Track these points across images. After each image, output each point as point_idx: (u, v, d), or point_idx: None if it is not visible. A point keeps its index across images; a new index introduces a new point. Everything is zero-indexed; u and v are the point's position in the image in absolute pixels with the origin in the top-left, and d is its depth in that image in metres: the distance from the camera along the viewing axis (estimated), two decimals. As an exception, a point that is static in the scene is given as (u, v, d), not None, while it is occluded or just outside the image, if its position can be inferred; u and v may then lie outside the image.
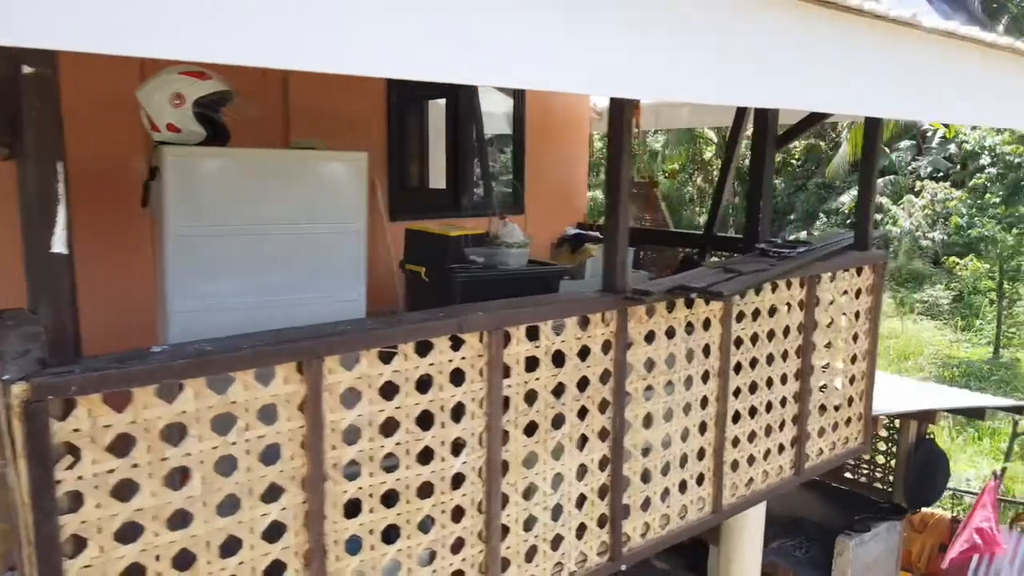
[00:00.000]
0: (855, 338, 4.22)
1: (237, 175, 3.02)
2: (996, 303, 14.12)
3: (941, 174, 17.02)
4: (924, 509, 7.57)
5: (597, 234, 4.75)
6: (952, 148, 14.86)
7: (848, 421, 4.27)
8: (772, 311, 3.66)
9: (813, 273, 3.83)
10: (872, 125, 4.24)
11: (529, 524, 2.85)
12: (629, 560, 3.23)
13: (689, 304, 3.24)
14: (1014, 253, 13.33)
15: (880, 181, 19.04)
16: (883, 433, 6.57)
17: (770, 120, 4.45)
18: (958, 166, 16.32)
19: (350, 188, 3.23)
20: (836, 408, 4.16)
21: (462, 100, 5.17)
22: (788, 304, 3.74)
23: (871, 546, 6.14)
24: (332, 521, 2.29)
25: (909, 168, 19.23)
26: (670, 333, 3.19)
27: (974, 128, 13.02)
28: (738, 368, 3.55)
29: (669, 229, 6.77)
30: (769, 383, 3.72)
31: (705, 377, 3.39)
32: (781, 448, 3.87)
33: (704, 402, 3.42)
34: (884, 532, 6.29)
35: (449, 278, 3.51)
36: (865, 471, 6.78)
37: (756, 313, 3.58)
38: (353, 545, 2.36)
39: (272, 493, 2.17)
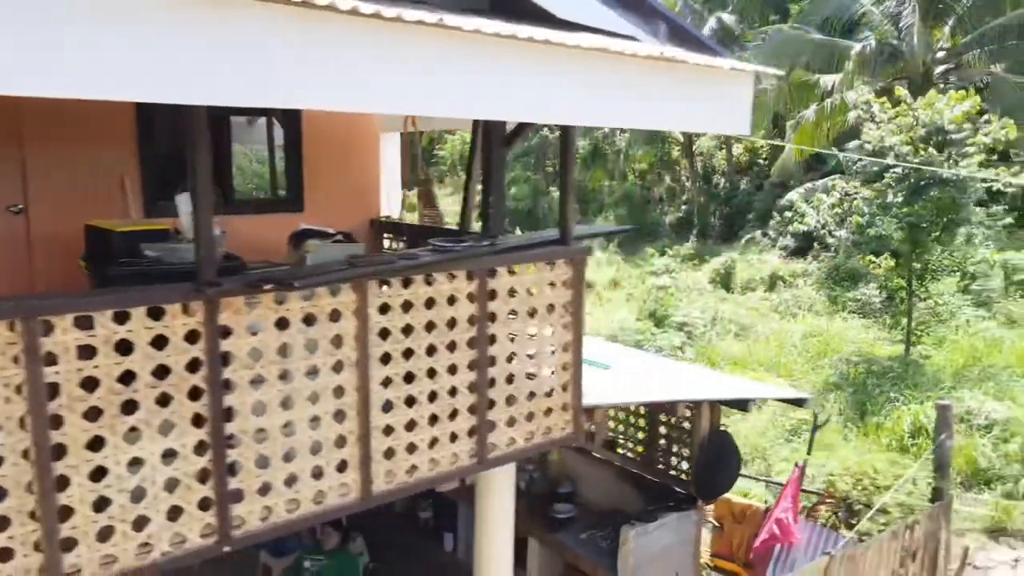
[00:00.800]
0: (556, 330, 4.33)
1: None
2: (906, 301, 14.22)
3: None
4: (743, 500, 7.73)
5: (329, 230, 4.87)
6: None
7: (549, 411, 4.38)
8: (430, 303, 3.78)
9: (485, 267, 3.94)
10: (565, 132, 4.32)
11: (101, 505, 2.97)
12: (245, 542, 3.35)
13: (308, 297, 3.36)
14: (920, 252, 13.45)
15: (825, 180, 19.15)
16: (687, 425, 6.69)
17: (496, 122, 4.57)
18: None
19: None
20: (531, 398, 4.27)
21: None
22: (453, 297, 3.85)
23: (657, 535, 6.26)
24: None
25: (855, 168, 19.34)
26: (281, 324, 3.31)
27: (878, 127, 13.11)
28: (387, 358, 3.67)
29: (439, 225, 6.90)
30: (432, 373, 3.84)
31: (338, 367, 3.51)
32: (454, 437, 3.98)
33: (340, 391, 3.53)
34: (675, 522, 6.40)
35: (104, 273, 3.62)
36: (673, 462, 6.90)
37: (408, 305, 3.70)
38: None
39: None
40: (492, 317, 4.02)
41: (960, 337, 15.09)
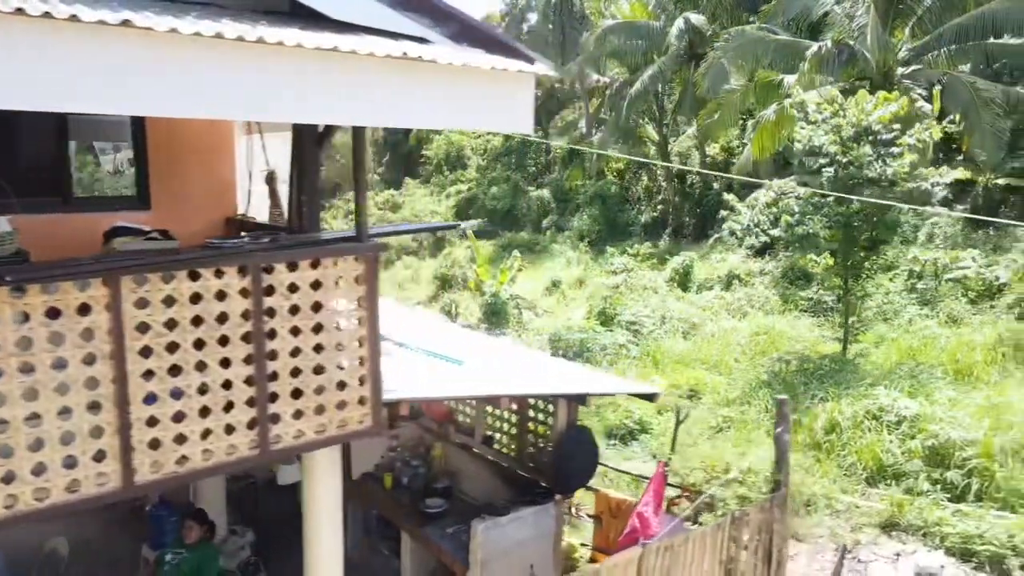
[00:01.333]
0: (349, 325, 4.44)
1: None
2: (843, 300, 14.30)
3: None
4: (619, 495, 7.84)
5: (144, 227, 4.97)
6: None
7: (343, 405, 4.49)
8: (196, 298, 3.89)
9: (261, 263, 4.06)
10: (356, 133, 4.43)
11: None
12: (-12, 529, 3.47)
13: (52, 291, 3.48)
14: (854, 251, 13.54)
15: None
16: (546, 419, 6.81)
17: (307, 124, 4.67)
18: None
19: None
20: (320, 392, 4.38)
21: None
22: (222, 292, 3.97)
23: (510, 529, 6.37)
24: None
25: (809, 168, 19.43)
26: (20, 318, 3.43)
27: (806, 127, 13.20)
28: (148, 352, 3.78)
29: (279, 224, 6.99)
30: (202, 367, 3.95)
31: (90, 360, 3.63)
32: (231, 429, 4.09)
33: (93, 383, 3.65)
34: (531, 516, 6.52)
35: None
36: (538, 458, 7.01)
37: (171, 300, 3.81)
38: None
39: None
40: (271, 312, 4.13)
41: (900, 336, 15.19)
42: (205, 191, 6.16)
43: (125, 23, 2.85)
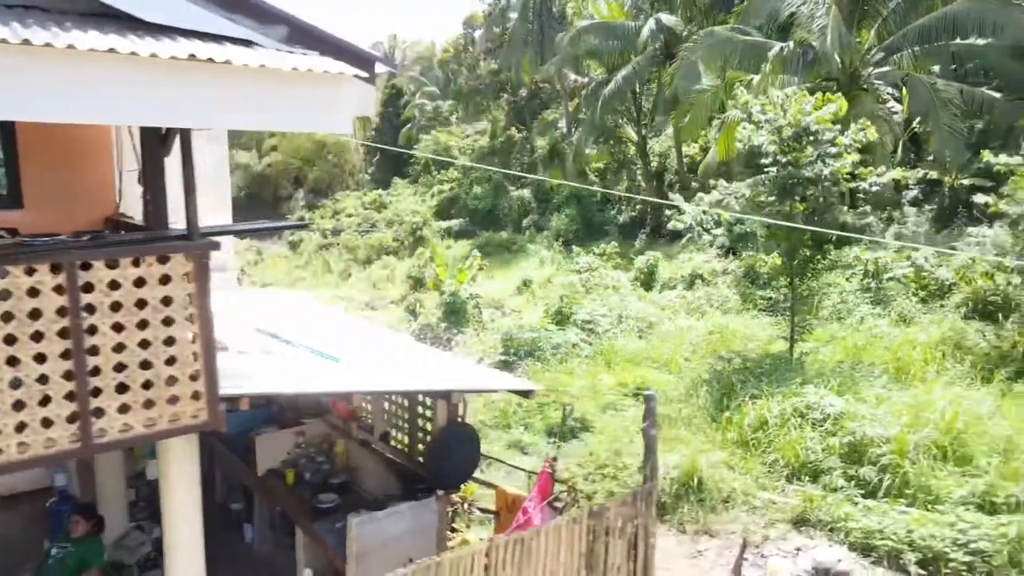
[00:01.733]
0: (179, 322, 4.54)
1: None
2: (789, 299, 14.37)
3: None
4: (515, 491, 7.94)
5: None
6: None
7: (175, 399, 4.59)
8: (5, 295, 3.99)
9: (77, 260, 4.16)
10: (184, 134, 4.51)
11: None
12: None
13: None
14: (799, 250, 13.63)
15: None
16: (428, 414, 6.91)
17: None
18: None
19: None
20: (148, 387, 4.48)
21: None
22: (34, 289, 4.07)
23: (387, 524, 6.47)
24: None
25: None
26: None
27: (748, 127, 13.29)
28: (-49, 348, 3.88)
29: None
30: (13, 362, 4.05)
31: None
32: (48, 423, 4.19)
33: None
34: (409, 511, 6.62)
35: None
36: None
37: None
38: None
39: None
40: (91, 308, 4.23)
41: (850, 334, 15.29)
42: (83, 191, 6.26)
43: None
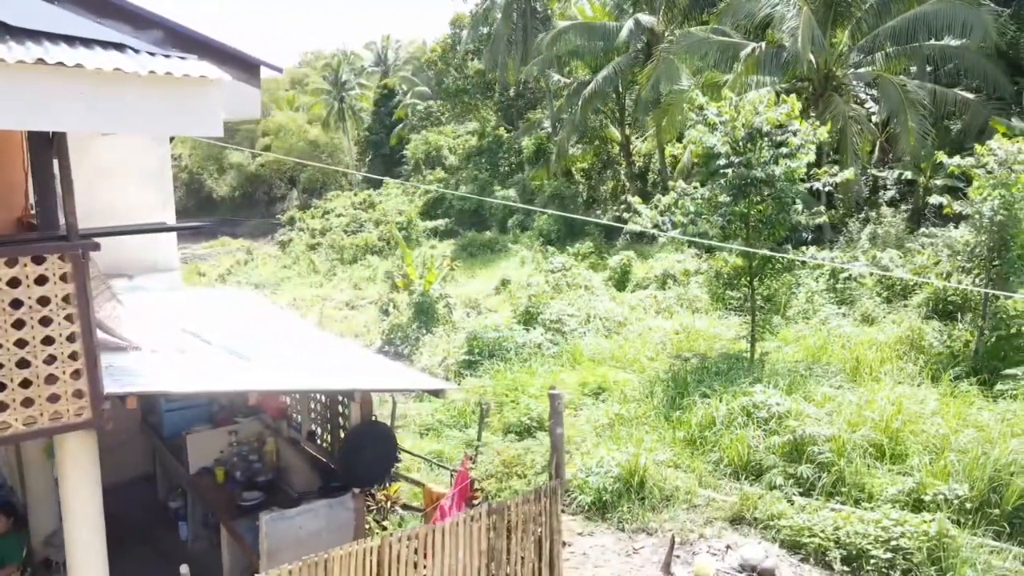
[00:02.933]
0: (58, 321, 4.61)
1: None
2: (749, 299, 14.43)
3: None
4: (440, 489, 8.01)
5: None
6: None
7: (55, 398, 4.67)
8: None
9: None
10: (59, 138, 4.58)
11: None
12: None
13: None
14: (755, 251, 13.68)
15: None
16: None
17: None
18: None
19: None
20: (26, 386, 4.55)
21: None
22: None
23: (299, 521, 6.54)
24: None
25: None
26: None
27: (701, 128, 13.36)
28: None
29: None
30: None
31: None
32: (-82, 420, 4.27)
33: None
34: (324, 508, 6.69)
35: None
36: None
37: None
38: None
39: None
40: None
41: (812, 334, 15.37)
42: (-6, 193, 6.34)
43: None
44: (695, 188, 14.05)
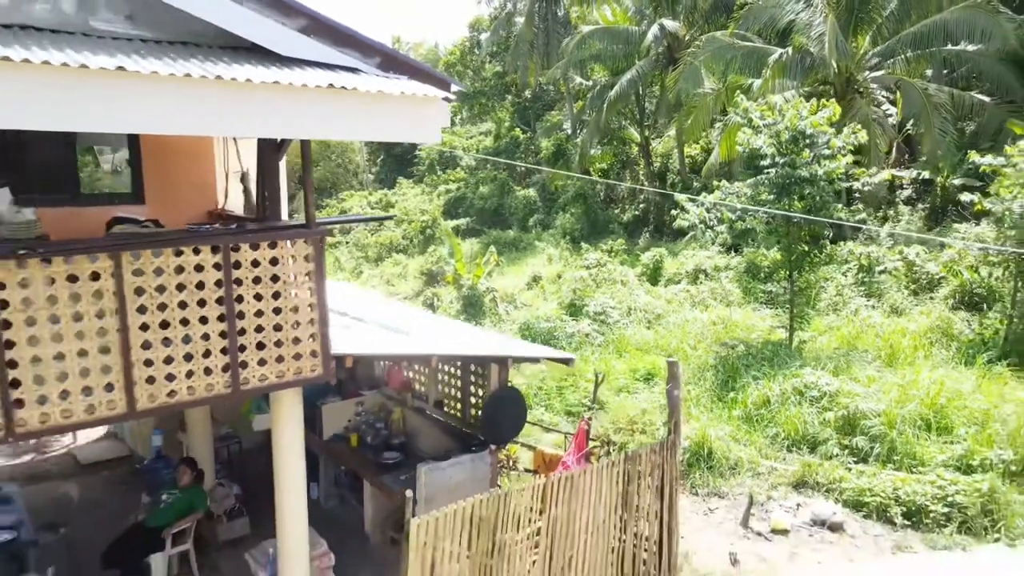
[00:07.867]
0: (301, 293, 5.64)
1: None
2: (788, 291, 15.47)
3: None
4: (553, 450, 9.03)
5: (139, 218, 6.15)
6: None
7: (299, 356, 5.70)
8: (180, 269, 5.10)
9: (230, 243, 5.26)
10: (304, 146, 5.62)
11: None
12: (27, 438, 4.68)
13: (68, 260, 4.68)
14: (796, 245, 14.72)
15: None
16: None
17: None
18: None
19: None
20: (279, 345, 5.59)
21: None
22: (200, 265, 5.17)
23: (450, 472, 7.58)
24: None
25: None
26: (48, 281, 4.63)
27: (748, 131, 14.41)
28: (143, 309, 4.98)
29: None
30: (185, 322, 5.16)
31: (101, 314, 4.83)
32: (209, 371, 5.30)
33: (103, 332, 4.85)
34: (469, 462, 7.73)
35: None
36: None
37: (160, 270, 5.02)
38: None
39: None
40: (239, 281, 5.34)
41: (844, 324, 16.42)
42: (189, 188, 7.36)
43: (120, 69, 4.06)
44: (737, 186, 15.08)
